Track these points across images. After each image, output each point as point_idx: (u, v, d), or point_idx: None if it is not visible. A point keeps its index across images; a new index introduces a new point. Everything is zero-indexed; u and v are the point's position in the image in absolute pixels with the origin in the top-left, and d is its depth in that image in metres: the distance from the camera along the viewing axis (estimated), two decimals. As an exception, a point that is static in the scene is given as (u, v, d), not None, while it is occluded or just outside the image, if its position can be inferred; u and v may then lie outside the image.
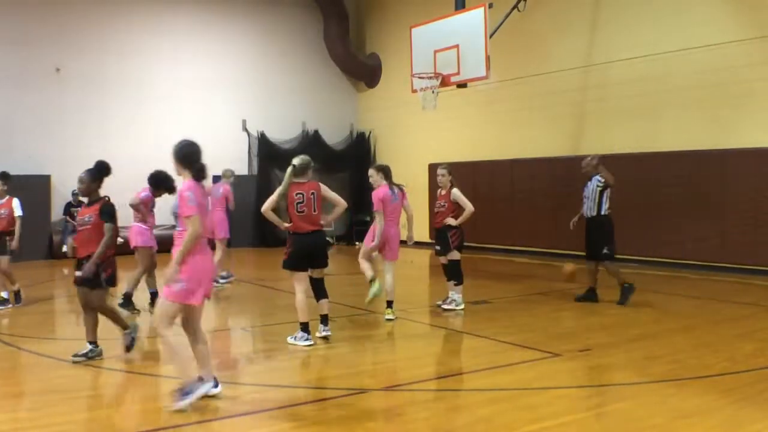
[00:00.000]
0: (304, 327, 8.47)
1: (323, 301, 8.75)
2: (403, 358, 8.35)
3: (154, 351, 8.54)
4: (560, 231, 17.01)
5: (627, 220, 15.79)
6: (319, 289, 8.75)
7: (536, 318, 10.06)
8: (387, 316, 9.90)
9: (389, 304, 9.98)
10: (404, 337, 9.38)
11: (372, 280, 9.72)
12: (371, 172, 10.02)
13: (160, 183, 10.70)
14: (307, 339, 8.43)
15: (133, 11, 20.54)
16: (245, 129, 22.21)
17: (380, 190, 9.72)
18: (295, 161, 8.49)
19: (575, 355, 7.73)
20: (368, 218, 9.83)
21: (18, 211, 11.58)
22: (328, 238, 22.09)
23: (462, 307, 10.53)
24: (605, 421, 5.60)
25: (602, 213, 10.98)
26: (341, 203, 8.69)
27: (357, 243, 16.30)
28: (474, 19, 14.69)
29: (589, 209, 11.08)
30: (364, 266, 9.91)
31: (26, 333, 9.40)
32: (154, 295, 11.10)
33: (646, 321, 9.78)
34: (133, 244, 10.86)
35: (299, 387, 6.97)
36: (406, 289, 12.26)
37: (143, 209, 10.76)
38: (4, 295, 11.45)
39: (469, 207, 10.31)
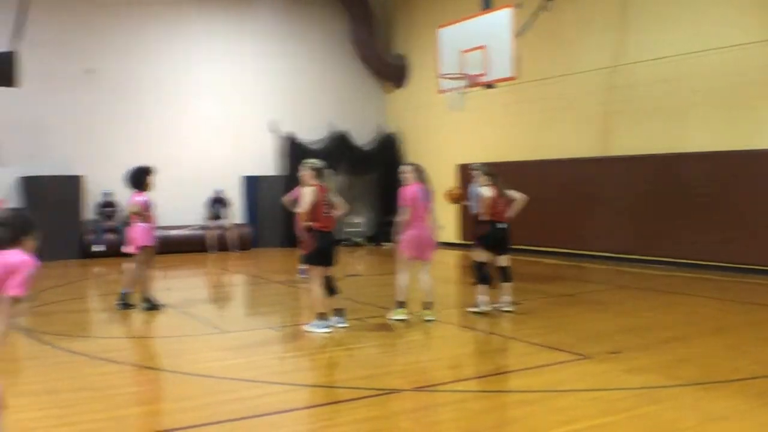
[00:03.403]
0: (322, 316, 9.16)
1: (335, 297, 9.42)
2: (433, 359, 8.37)
3: (186, 349, 8.62)
4: (589, 232, 17.05)
5: (654, 220, 15.73)
6: (330, 286, 9.37)
7: (566, 319, 10.02)
8: (427, 317, 9.84)
9: (427, 305, 9.94)
10: (434, 337, 9.40)
11: (401, 306, 9.81)
12: (405, 168, 10.06)
13: (141, 177, 11.09)
14: (325, 327, 9.11)
15: (162, 13, 20.71)
16: (273, 130, 22.30)
17: (411, 187, 9.81)
18: (319, 164, 9.26)
19: (605, 357, 7.70)
20: (395, 219, 9.85)
21: None
22: (357, 239, 22.21)
23: (487, 309, 10.31)
24: (636, 423, 5.59)
25: None
26: (342, 208, 9.50)
27: (384, 244, 16.24)
28: (501, 19, 14.69)
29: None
30: (400, 284, 9.86)
31: (60, 331, 9.54)
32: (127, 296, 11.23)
33: (677, 323, 9.72)
34: (140, 243, 10.94)
35: (329, 387, 7.02)
36: (437, 290, 12.26)
37: (144, 212, 10.98)
38: None
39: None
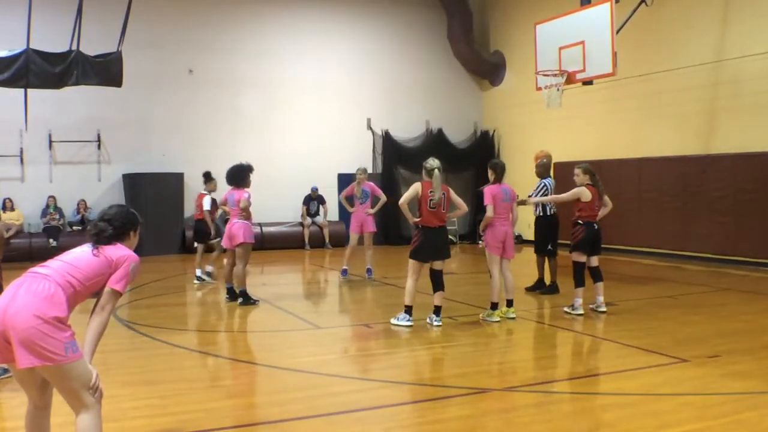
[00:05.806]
0: (408, 310, 9.31)
1: (438, 293, 9.38)
2: (525, 359, 8.33)
3: (280, 344, 8.78)
4: (688, 232, 16.60)
5: (759, 221, 15.14)
6: (437, 281, 9.39)
7: (663, 322, 9.78)
8: (508, 315, 9.88)
9: (509, 303, 9.97)
10: (527, 338, 9.35)
11: (494, 307, 9.76)
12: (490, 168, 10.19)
13: (245, 175, 11.41)
14: (408, 320, 9.25)
15: (261, 13, 21.12)
16: (370, 128, 22.47)
17: (492, 186, 9.92)
18: (435, 164, 9.28)
19: (704, 361, 7.51)
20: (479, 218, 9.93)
21: (206, 206, 13.61)
22: (451, 237, 22.10)
23: (578, 312, 10.08)
24: (733, 430, 5.43)
25: (549, 213, 11.99)
26: (463, 207, 9.60)
27: (480, 243, 16.13)
28: (600, 14, 14.47)
29: (537, 209, 12.14)
30: (494, 285, 9.77)
31: (160, 324, 9.85)
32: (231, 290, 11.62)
33: (781, 327, 9.40)
34: (240, 240, 11.11)
35: (420, 384, 7.04)
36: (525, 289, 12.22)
37: (248, 208, 11.26)
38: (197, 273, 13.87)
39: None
